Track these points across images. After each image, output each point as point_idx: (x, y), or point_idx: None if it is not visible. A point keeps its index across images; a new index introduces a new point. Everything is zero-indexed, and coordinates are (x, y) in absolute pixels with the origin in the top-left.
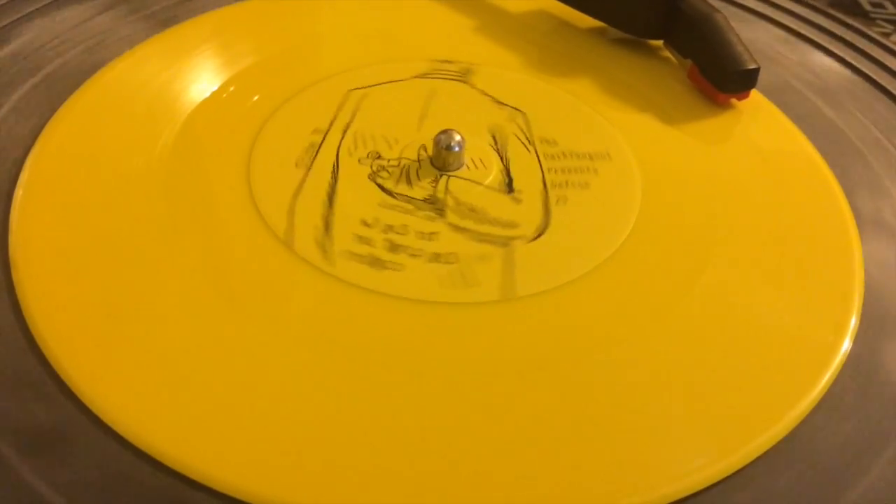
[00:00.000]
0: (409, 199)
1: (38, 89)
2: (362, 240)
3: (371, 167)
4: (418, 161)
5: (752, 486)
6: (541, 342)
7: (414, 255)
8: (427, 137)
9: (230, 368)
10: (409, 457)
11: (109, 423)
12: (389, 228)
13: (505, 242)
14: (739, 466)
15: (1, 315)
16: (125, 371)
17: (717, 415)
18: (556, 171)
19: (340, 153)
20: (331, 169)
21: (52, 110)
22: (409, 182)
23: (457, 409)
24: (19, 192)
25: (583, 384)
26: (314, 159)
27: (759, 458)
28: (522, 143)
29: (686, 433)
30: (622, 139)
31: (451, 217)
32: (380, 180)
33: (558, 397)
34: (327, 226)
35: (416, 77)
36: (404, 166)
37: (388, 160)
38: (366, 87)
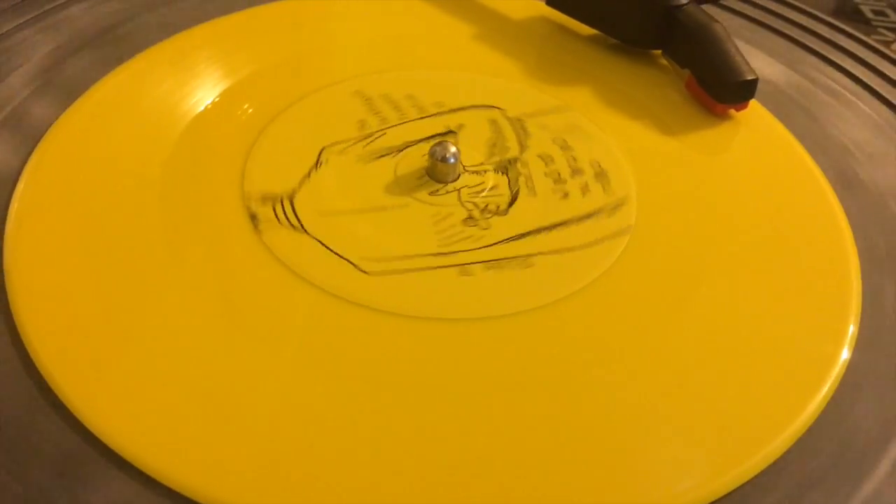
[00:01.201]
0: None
1: (35, 100)
2: None
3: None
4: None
5: (754, 496)
6: (535, 359)
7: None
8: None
9: (227, 384)
10: (406, 473)
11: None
12: None
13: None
14: (742, 481)
15: None
16: (121, 388)
17: (716, 429)
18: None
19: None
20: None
21: (50, 121)
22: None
23: (449, 426)
24: (15, 204)
25: (580, 400)
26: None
27: (761, 470)
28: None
29: (686, 446)
30: (618, 149)
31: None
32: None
33: (554, 413)
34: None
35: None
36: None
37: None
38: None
